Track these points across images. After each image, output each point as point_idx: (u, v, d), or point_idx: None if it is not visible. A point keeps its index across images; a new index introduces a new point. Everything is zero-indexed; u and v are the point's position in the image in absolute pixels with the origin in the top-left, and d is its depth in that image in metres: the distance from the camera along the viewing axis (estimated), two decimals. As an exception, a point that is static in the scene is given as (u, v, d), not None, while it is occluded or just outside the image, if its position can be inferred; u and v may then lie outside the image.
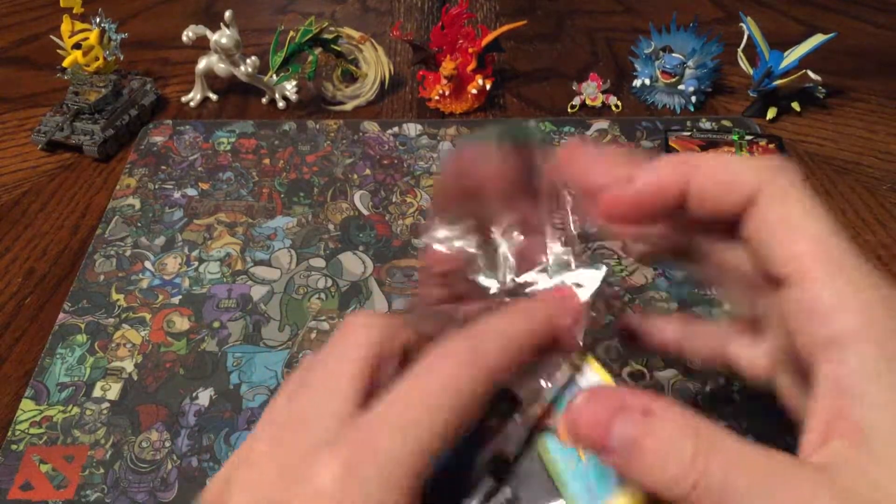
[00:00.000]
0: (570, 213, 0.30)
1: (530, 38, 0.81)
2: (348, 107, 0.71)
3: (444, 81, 0.67)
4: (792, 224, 0.23)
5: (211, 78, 0.71)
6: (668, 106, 0.70)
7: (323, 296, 0.53)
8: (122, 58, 0.70)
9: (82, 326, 0.51)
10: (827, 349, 0.22)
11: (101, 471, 0.43)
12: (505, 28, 0.69)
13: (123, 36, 0.69)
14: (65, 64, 0.67)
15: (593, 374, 0.27)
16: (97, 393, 0.47)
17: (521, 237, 0.31)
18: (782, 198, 0.24)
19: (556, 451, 0.26)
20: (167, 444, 0.44)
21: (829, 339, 0.22)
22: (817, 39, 0.66)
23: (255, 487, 0.23)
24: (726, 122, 0.67)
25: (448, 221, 0.31)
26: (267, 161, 0.64)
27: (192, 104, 0.72)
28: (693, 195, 0.25)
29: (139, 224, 0.58)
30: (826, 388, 0.22)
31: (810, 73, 0.66)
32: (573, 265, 0.30)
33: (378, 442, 0.21)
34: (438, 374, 0.23)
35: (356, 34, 0.70)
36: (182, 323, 0.51)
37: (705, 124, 0.67)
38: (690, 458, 0.20)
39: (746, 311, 0.29)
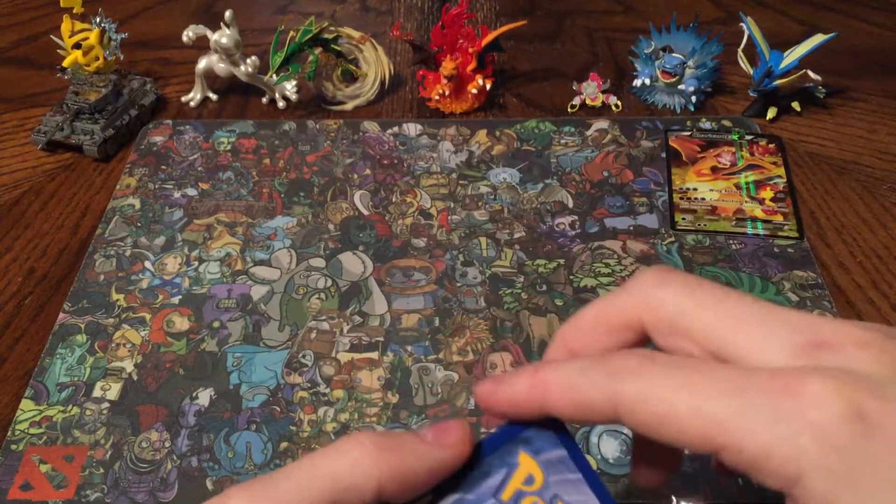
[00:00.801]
0: None
1: (530, 38, 0.81)
2: (348, 107, 0.71)
3: (444, 81, 0.67)
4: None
5: (211, 78, 0.71)
6: (668, 106, 0.70)
7: (323, 296, 0.53)
8: (122, 58, 0.70)
9: (82, 326, 0.51)
10: None
11: (101, 471, 0.43)
12: (505, 28, 0.69)
13: (123, 36, 0.69)
14: (65, 64, 0.67)
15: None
16: (97, 393, 0.47)
17: None
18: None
19: None
20: (167, 444, 0.44)
21: None
22: (817, 39, 0.66)
23: None
24: (726, 122, 0.67)
25: None
26: (267, 161, 0.64)
27: (192, 104, 0.72)
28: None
29: (139, 224, 0.58)
30: None
31: (810, 73, 0.66)
32: None
33: None
34: None
35: (356, 34, 0.70)
36: (182, 323, 0.51)
37: (705, 124, 0.67)
38: (593, 378, 0.22)
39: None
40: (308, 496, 0.22)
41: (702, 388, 0.20)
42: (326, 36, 0.68)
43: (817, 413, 0.19)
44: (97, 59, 0.67)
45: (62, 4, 0.65)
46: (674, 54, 0.68)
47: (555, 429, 0.24)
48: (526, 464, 0.23)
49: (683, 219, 0.58)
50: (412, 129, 0.67)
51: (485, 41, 0.67)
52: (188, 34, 0.67)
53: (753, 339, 0.21)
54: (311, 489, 0.22)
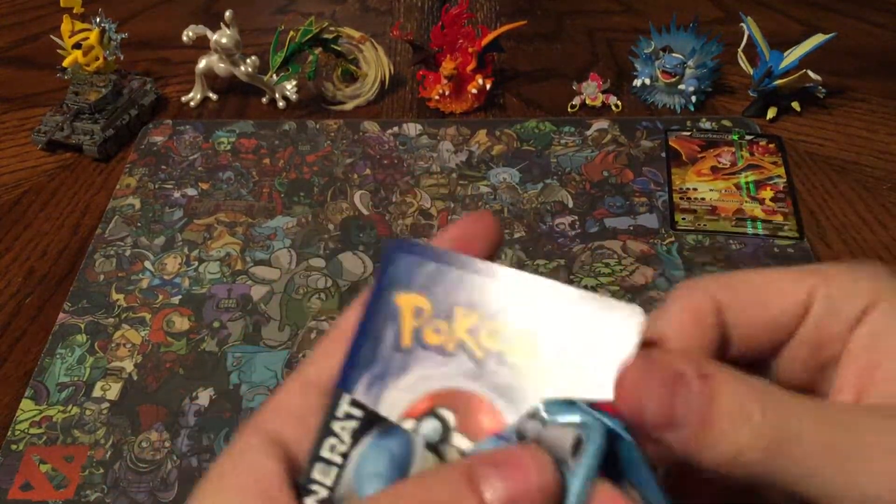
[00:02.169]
0: None
1: (530, 38, 0.81)
2: (348, 107, 0.71)
3: (444, 81, 0.67)
4: None
5: (211, 78, 0.71)
6: (668, 106, 0.70)
7: (323, 296, 0.53)
8: (122, 58, 0.70)
9: (82, 326, 0.51)
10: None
11: (101, 471, 0.43)
12: (505, 28, 0.69)
13: (123, 36, 0.69)
14: (65, 64, 0.67)
15: None
16: (97, 393, 0.47)
17: None
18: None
19: None
20: (167, 444, 0.44)
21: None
22: (817, 39, 0.66)
23: None
24: (726, 122, 0.67)
25: None
26: (267, 161, 0.64)
27: (192, 104, 0.72)
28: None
29: (139, 224, 0.58)
30: (857, 347, 0.20)
31: (810, 73, 0.66)
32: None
33: None
34: None
35: (356, 34, 0.70)
36: (182, 323, 0.51)
37: (705, 124, 0.67)
38: (760, 420, 0.18)
39: None
40: None
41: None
42: (326, 36, 0.68)
43: None
44: (97, 59, 0.67)
45: (62, 4, 0.65)
46: (674, 54, 0.68)
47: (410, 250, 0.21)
48: (406, 302, 0.21)
49: (683, 219, 0.58)
50: (412, 129, 0.67)
51: (485, 41, 0.67)
52: (188, 34, 0.67)
53: None
54: None
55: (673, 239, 0.56)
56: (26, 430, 0.45)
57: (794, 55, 0.66)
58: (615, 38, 0.81)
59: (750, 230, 0.56)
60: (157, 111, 0.71)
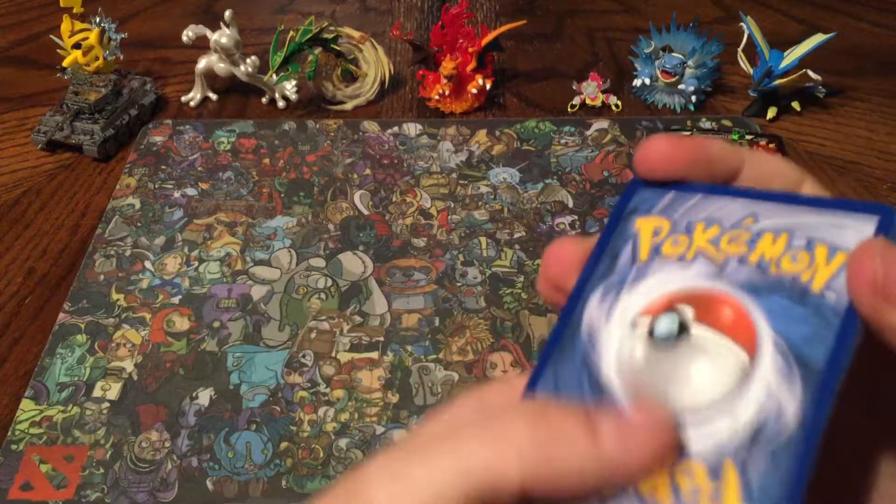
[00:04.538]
0: None
1: (530, 38, 0.81)
2: (348, 106, 0.71)
3: (444, 81, 0.67)
4: None
5: (211, 78, 0.71)
6: (668, 105, 0.70)
7: (323, 296, 0.53)
8: (122, 58, 0.70)
9: (82, 326, 0.51)
10: None
11: (101, 471, 0.43)
12: (505, 28, 0.69)
13: (123, 36, 0.69)
14: (65, 64, 0.67)
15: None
16: (97, 393, 0.47)
17: None
18: None
19: None
20: (167, 444, 0.44)
21: None
22: (817, 39, 0.66)
23: None
24: (726, 122, 0.67)
25: None
26: (267, 161, 0.64)
27: (192, 104, 0.72)
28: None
29: (139, 224, 0.58)
30: None
31: (810, 73, 0.66)
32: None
33: None
34: None
35: (356, 34, 0.70)
36: (182, 323, 0.51)
37: (705, 124, 0.67)
38: None
39: None
40: (445, 490, 0.18)
41: None
42: (326, 36, 0.68)
43: None
44: (97, 59, 0.67)
45: (62, 4, 0.65)
46: (674, 54, 0.68)
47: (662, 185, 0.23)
48: (644, 224, 0.23)
49: (683, 219, 0.58)
50: (412, 129, 0.67)
51: (485, 41, 0.67)
52: (188, 34, 0.67)
53: None
54: (449, 482, 0.18)
55: (673, 239, 0.56)
56: (26, 430, 0.45)
57: (794, 55, 0.66)
58: (615, 38, 0.81)
59: (750, 230, 0.56)
60: (157, 111, 0.71)
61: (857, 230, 0.21)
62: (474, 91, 0.68)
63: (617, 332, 0.22)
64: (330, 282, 0.54)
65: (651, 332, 0.21)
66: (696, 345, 0.21)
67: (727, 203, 0.23)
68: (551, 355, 0.22)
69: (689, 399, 0.21)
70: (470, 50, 0.66)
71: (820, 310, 0.21)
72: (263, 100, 0.72)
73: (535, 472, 0.18)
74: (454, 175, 0.62)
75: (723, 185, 0.23)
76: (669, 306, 0.22)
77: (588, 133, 0.66)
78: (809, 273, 0.21)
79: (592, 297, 0.22)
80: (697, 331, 0.21)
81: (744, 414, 0.20)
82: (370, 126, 0.68)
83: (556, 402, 0.20)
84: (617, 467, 0.18)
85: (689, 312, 0.22)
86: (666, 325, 0.21)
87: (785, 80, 0.65)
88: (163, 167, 0.64)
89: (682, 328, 0.21)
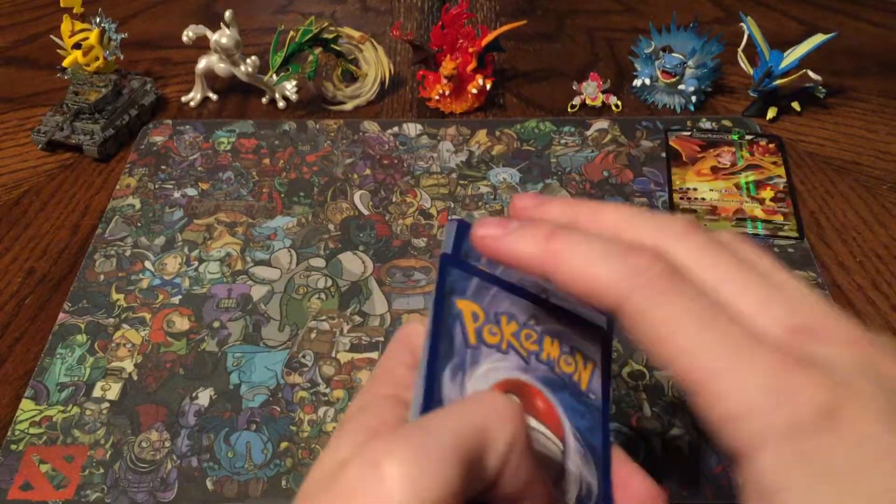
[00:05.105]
0: None
1: (530, 38, 0.81)
2: (348, 107, 0.71)
3: (444, 81, 0.67)
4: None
5: (211, 78, 0.71)
6: (668, 106, 0.70)
7: (323, 296, 0.53)
8: (122, 58, 0.70)
9: (82, 326, 0.51)
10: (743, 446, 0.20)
11: (101, 471, 0.43)
12: (505, 28, 0.69)
13: (123, 36, 0.69)
14: (65, 64, 0.67)
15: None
16: (97, 393, 0.47)
17: None
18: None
19: None
20: (167, 444, 0.44)
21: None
22: (817, 39, 0.66)
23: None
24: (726, 122, 0.67)
25: None
26: (267, 161, 0.64)
27: (192, 104, 0.72)
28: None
29: (139, 224, 0.58)
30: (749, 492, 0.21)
31: (810, 73, 0.66)
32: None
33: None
34: None
35: (356, 34, 0.70)
36: (182, 323, 0.51)
37: (705, 124, 0.67)
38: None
39: None
40: (456, 443, 0.21)
41: (708, 328, 0.21)
42: (326, 36, 0.68)
43: (800, 399, 0.19)
44: (97, 59, 0.67)
45: (62, 4, 0.65)
46: (674, 54, 0.68)
47: (456, 261, 0.27)
48: (465, 307, 0.26)
49: (683, 219, 0.57)
50: (412, 129, 0.67)
51: (485, 41, 0.67)
52: (188, 34, 0.67)
53: (751, 308, 0.22)
54: (458, 435, 0.21)
55: (673, 239, 0.56)
56: (26, 430, 0.45)
57: (794, 55, 0.66)
58: (615, 38, 0.81)
59: (750, 230, 0.56)
60: (157, 111, 0.71)
61: (594, 340, 0.28)
62: (474, 91, 0.68)
63: None
64: (330, 282, 0.54)
65: None
66: (533, 432, 0.26)
67: (515, 301, 0.27)
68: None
69: None
70: (470, 50, 0.66)
71: (590, 406, 0.27)
72: (263, 100, 0.72)
73: (520, 440, 0.22)
74: (454, 175, 0.62)
75: (509, 283, 0.27)
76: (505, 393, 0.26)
77: (588, 133, 0.66)
78: (577, 375, 0.28)
79: (444, 376, 0.25)
80: (528, 421, 0.25)
81: (571, 492, 0.26)
82: (370, 126, 0.68)
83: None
84: None
85: (518, 402, 0.25)
86: None
87: (785, 80, 0.66)
88: (163, 167, 0.64)
89: None
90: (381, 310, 0.52)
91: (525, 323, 0.27)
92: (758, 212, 0.58)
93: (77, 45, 0.67)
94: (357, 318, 0.51)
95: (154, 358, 0.49)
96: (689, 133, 0.65)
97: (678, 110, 0.69)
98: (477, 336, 0.26)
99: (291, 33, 0.68)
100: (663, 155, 0.64)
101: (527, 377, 0.26)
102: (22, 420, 0.45)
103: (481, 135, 0.66)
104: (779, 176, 0.61)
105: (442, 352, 0.25)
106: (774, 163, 0.62)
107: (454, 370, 0.25)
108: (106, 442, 0.44)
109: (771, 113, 0.68)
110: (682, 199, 0.59)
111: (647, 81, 0.70)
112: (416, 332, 0.28)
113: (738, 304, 0.22)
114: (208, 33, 0.67)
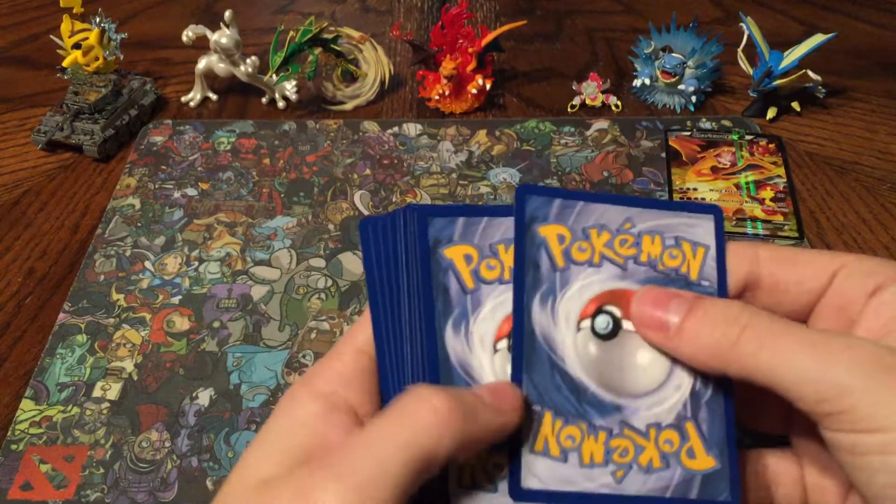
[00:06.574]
0: None
1: (530, 38, 0.81)
2: (348, 107, 0.71)
3: (444, 81, 0.67)
4: None
5: (211, 78, 0.71)
6: (668, 106, 0.70)
7: (323, 296, 0.53)
8: (122, 58, 0.70)
9: (82, 326, 0.51)
10: None
11: (101, 471, 0.43)
12: (505, 28, 0.69)
13: (123, 36, 0.69)
14: (65, 64, 0.67)
15: None
16: (97, 393, 0.47)
17: None
18: None
19: None
20: (167, 444, 0.44)
21: None
22: (817, 39, 0.66)
23: None
24: (726, 122, 0.67)
25: None
26: (267, 161, 0.64)
27: (192, 104, 0.72)
28: None
29: (139, 224, 0.58)
30: (870, 315, 0.26)
31: (810, 73, 0.66)
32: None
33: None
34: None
35: (356, 34, 0.70)
36: (182, 323, 0.51)
37: (705, 124, 0.67)
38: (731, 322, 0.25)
39: None
40: (392, 471, 0.21)
41: (828, 352, 0.23)
42: (326, 36, 0.68)
43: None
44: (97, 59, 0.67)
45: (62, 4, 0.65)
46: (674, 54, 0.68)
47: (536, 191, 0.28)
48: (548, 233, 0.27)
49: (683, 219, 0.57)
50: (412, 129, 0.67)
51: (485, 41, 0.67)
52: (188, 34, 0.67)
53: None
54: (393, 463, 0.22)
55: (673, 239, 0.56)
56: (26, 430, 0.45)
57: (794, 55, 0.66)
58: (615, 38, 0.81)
59: (750, 230, 0.56)
60: (157, 111, 0.71)
61: (703, 227, 0.28)
62: (474, 91, 0.68)
63: (566, 334, 0.27)
64: (330, 282, 0.54)
65: (595, 332, 0.27)
66: (632, 336, 0.27)
67: (605, 210, 0.28)
68: (522, 361, 0.26)
69: (643, 381, 0.27)
70: (470, 50, 0.66)
71: (704, 293, 0.27)
72: (263, 100, 0.72)
73: (461, 437, 0.23)
74: (454, 175, 0.62)
75: (594, 193, 0.29)
76: (601, 308, 0.27)
77: (588, 133, 0.66)
78: (686, 266, 0.28)
79: (533, 305, 0.26)
80: (627, 325, 0.27)
81: (685, 384, 0.27)
82: (370, 126, 0.68)
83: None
84: (501, 419, 0.25)
85: (617, 312, 0.27)
86: (603, 326, 0.27)
87: (785, 80, 0.66)
88: (163, 167, 0.64)
89: (617, 325, 0.27)
90: (381, 310, 0.51)
91: (618, 229, 0.28)
92: (758, 212, 0.58)
93: (77, 45, 0.67)
94: (357, 318, 0.51)
95: (154, 358, 0.49)
96: (688, 133, 0.65)
97: (678, 110, 0.69)
98: (565, 257, 0.27)
99: (291, 33, 0.68)
100: (663, 155, 0.64)
101: (625, 283, 0.27)
102: (22, 420, 0.45)
103: (481, 135, 0.66)
104: (779, 176, 0.61)
105: (528, 284, 0.26)
106: (774, 163, 0.62)
107: (543, 299, 0.26)
108: (106, 442, 0.44)
109: (771, 113, 0.68)
110: (682, 199, 0.59)
111: (647, 81, 0.70)
112: (361, 326, 0.29)
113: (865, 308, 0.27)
114: (208, 33, 0.67)
